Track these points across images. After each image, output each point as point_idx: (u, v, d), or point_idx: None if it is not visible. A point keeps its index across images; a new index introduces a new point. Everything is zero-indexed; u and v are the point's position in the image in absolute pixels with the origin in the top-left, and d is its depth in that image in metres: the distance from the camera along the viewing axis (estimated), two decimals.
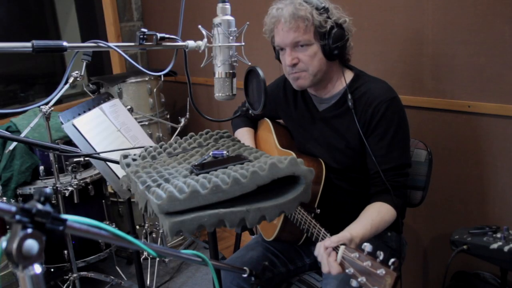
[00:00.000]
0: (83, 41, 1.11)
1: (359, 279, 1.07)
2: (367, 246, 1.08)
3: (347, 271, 1.12)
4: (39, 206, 0.60)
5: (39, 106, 2.10)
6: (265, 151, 1.75)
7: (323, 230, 1.35)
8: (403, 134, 1.52)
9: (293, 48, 1.47)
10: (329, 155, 1.57)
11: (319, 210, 1.48)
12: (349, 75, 1.56)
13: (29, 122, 2.21)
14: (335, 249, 1.22)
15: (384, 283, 1.00)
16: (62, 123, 1.73)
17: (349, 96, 1.49)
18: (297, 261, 1.70)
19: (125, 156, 1.41)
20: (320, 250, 1.24)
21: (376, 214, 1.43)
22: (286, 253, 1.68)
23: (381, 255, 1.04)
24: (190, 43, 1.16)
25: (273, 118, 1.82)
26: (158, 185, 1.15)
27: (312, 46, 1.46)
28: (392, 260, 1.01)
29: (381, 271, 1.02)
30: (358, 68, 1.61)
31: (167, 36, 1.15)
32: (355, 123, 1.49)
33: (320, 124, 1.60)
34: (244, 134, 1.82)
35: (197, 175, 1.20)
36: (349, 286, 1.42)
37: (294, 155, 1.51)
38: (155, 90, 2.94)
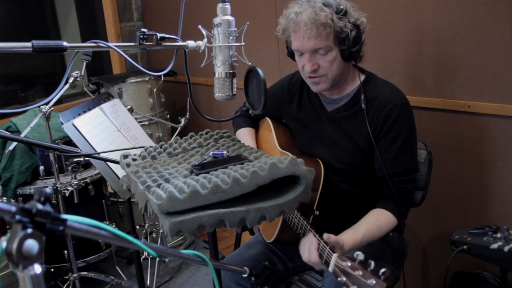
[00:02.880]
0: (83, 41, 1.11)
1: None
2: (360, 255, 1.09)
3: (339, 279, 1.13)
4: (39, 206, 0.60)
5: (39, 106, 2.10)
6: (266, 151, 1.76)
7: (317, 236, 1.34)
8: (412, 139, 1.52)
9: (313, 54, 1.45)
10: (334, 156, 1.56)
11: (318, 212, 1.48)
12: (360, 77, 1.55)
13: (29, 122, 2.21)
14: (323, 250, 1.24)
15: None
16: (62, 123, 1.73)
17: (362, 101, 1.48)
18: (296, 260, 1.70)
19: (125, 156, 1.41)
20: (304, 241, 1.28)
21: (373, 222, 1.44)
22: (286, 252, 1.68)
23: (372, 265, 1.05)
24: (190, 43, 1.16)
25: (275, 117, 1.82)
26: (158, 185, 1.15)
27: (332, 51, 1.44)
28: (382, 270, 1.02)
29: (371, 281, 1.03)
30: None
31: (167, 36, 1.15)
32: (365, 125, 1.48)
33: (327, 125, 1.59)
34: (245, 135, 1.82)
35: (197, 175, 1.20)
36: None
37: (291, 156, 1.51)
38: (155, 90, 2.94)
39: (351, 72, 1.55)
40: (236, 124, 1.91)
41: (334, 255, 1.18)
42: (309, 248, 1.31)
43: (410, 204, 1.54)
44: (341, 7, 1.42)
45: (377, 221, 1.45)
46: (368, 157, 1.53)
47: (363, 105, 1.48)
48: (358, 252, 1.09)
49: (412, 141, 1.52)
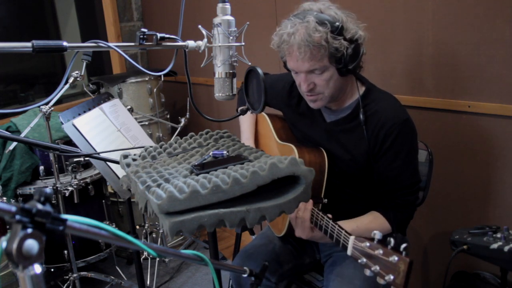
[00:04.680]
0: (83, 41, 1.11)
1: (372, 268, 1.05)
2: (377, 234, 1.06)
3: (359, 261, 1.10)
4: (39, 206, 0.60)
5: (39, 106, 2.10)
6: (266, 146, 1.76)
7: (325, 217, 1.33)
8: (414, 155, 1.51)
9: (308, 74, 1.41)
10: (331, 163, 1.56)
11: (326, 200, 1.48)
12: (360, 89, 1.51)
13: (29, 122, 2.21)
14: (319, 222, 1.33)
15: (398, 270, 0.99)
16: (62, 123, 1.73)
17: (361, 116, 1.45)
18: (310, 255, 1.72)
19: (125, 156, 1.41)
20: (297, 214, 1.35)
21: (366, 222, 1.45)
22: (302, 246, 1.71)
23: (391, 242, 1.02)
24: (190, 43, 1.16)
25: (273, 106, 1.81)
26: (158, 185, 1.15)
27: (328, 70, 1.40)
28: (403, 245, 0.99)
29: (394, 258, 1.00)
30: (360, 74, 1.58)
31: (167, 36, 1.15)
32: (364, 140, 1.46)
33: (325, 135, 1.57)
34: (247, 118, 1.84)
35: (197, 175, 1.20)
36: (352, 284, 1.43)
37: (294, 147, 1.52)
38: (155, 90, 2.94)
39: (349, 84, 1.51)
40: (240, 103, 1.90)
41: (352, 237, 1.16)
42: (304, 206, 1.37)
43: (410, 216, 1.54)
44: (337, 24, 1.35)
45: (370, 222, 1.46)
46: (366, 170, 1.51)
47: (361, 120, 1.45)
48: (375, 232, 1.06)
49: (413, 156, 1.50)
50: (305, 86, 1.43)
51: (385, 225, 1.46)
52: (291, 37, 1.36)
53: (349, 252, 1.16)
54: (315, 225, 1.40)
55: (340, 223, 1.36)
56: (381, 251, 1.04)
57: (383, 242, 1.05)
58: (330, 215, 1.36)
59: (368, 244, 1.08)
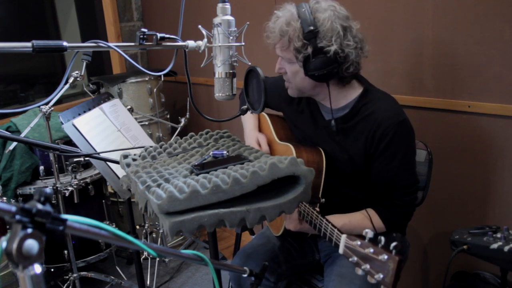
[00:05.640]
0: (83, 41, 1.11)
1: (362, 267, 1.06)
2: (369, 233, 1.06)
3: (350, 259, 1.11)
4: (39, 206, 0.60)
5: (39, 106, 2.10)
6: None
7: (323, 219, 1.33)
8: (411, 155, 1.51)
9: (282, 59, 1.49)
10: (329, 163, 1.56)
11: (323, 200, 1.48)
12: (357, 89, 1.50)
13: (29, 122, 2.21)
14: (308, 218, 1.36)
15: (388, 268, 1.00)
16: (62, 123, 1.73)
17: (358, 116, 1.46)
18: (309, 255, 1.72)
19: (125, 156, 1.41)
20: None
21: (359, 219, 1.46)
22: (301, 246, 1.71)
23: (382, 241, 1.03)
24: (190, 43, 1.16)
25: (273, 107, 1.81)
26: (158, 185, 1.15)
27: (294, 64, 1.44)
28: (393, 244, 1.00)
29: (383, 257, 1.01)
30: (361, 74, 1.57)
31: (167, 36, 1.15)
32: (361, 140, 1.46)
33: (324, 134, 1.57)
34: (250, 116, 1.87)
35: (197, 175, 1.20)
36: (353, 284, 1.43)
37: (292, 147, 1.52)
38: (155, 90, 2.94)
39: (336, 88, 1.48)
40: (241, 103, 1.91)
41: (343, 236, 1.16)
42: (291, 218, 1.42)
43: (408, 217, 1.54)
44: (310, 28, 1.35)
45: (364, 219, 1.46)
46: (364, 170, 1.51)
47: (358, 121, 1.46)
48: (367, 230, 1.07)
49: (410, 157, 1.50)
50: (277, 68, 1.51)
51: (378, 224, 1.46)
52: (276, 21, 1.46)
53: (340, 250, 1.17)
54: (310, 224, 1.40)
55: (333, 216, 1.36)
56: (371, 250, 1.04)
57: (374, 240, 1.06)
58: (317, 209, 1.37)
59: (359, 242, 1.09)
